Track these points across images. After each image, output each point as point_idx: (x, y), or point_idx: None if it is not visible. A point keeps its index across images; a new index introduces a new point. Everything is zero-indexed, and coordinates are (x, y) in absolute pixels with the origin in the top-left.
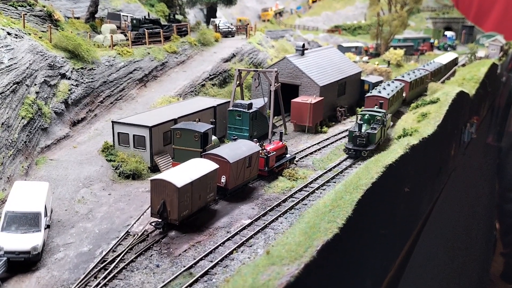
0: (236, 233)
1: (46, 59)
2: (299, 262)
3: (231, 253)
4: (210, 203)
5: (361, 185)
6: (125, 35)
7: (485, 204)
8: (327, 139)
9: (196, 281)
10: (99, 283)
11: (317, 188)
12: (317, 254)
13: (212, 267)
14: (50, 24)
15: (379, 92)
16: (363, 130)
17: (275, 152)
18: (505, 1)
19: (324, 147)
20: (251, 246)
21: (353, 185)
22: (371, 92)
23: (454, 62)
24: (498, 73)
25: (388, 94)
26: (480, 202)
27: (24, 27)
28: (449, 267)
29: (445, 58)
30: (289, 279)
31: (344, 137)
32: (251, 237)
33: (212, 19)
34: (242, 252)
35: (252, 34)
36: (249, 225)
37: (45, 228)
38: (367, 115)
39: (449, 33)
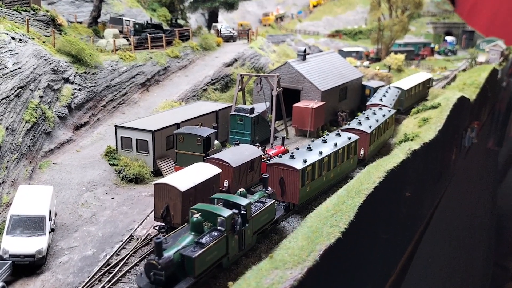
0: None
1: (50, 64)
2: (302, 267)
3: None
4: None
5: (363, 190)
6: (128, 40)
7: (485, 209)
8: None
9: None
10: (103, 287)
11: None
12: (320, 259)
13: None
14: (53, 29)
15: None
16: (169, 253)
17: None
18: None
19: None
20: (254, 250)
21: (355, 189)
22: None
23: (426, 85)
24: (498, 78)
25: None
26: (480, 206)
27: (28, 32)
28: (451, 271)
29: (411, 80)
30: (292, 283)
31: None
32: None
33: (213, 24)
34: (245, 256)
35: (254, 39)
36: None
37: (49, 232)
38: (200, 214)
39: (449, 38)
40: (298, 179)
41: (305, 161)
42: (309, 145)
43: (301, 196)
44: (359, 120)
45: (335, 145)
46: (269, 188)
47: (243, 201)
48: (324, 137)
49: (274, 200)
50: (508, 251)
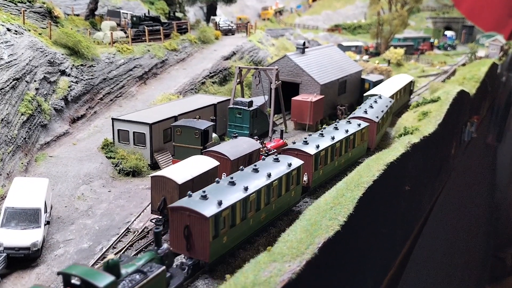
0: None
1: (46, 56)
2: (300, 259)
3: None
4: None
5: (363, 183)
6: (125, 32)
7: (484, 203)
8: None
9: (197, 277)
10: None
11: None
12: (319, 251)
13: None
14: (49, 21)
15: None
16: None
17: (275, 150)
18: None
19: None
20: (252, 243)
21: (354, 182)
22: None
23: (407, 91)
24: (498, 73)
25: None
26: (479, 201)
27: (24, 24)
28: (450, 266)
29: (389, 85)
30: (290, 276)
31: None
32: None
33: (212, 17)
34: (243, 249)
35: (253, 32)
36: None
37: (45, 224)
38: None
39: (449, 33)
40: (208, 229)
41: (220, 203)
42: (232, 178)
43: (214, 251)
44: (307, 139)
45: (269, 176)
46: (164, 246)
47: (103, 280)
48: (256, 165)
49: (163, 267)
50: (505, 243)
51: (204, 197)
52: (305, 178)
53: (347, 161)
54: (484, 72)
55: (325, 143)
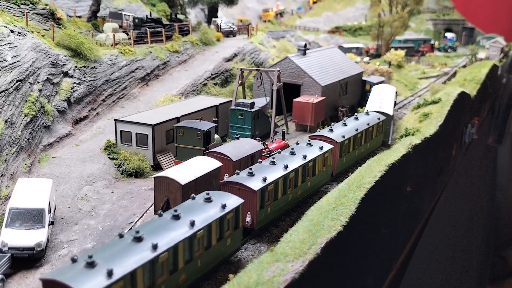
0: None
1: (49, 57)
2: (303, 259)
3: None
4: None
5: (364, 184)
6: (127, 34)
7: (485, 204)
8: None
9: (200, 277)
10: None
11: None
12: (321, 252)
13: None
14: (52, 23)
15: None
16: None
17: (277, 151)
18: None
19: None
20: (254, 243)
21: (356, 183)
22: None
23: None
24: (498, 75)
25: None
26: (480, 202)
27: (27, 25)
28: (450, 266)
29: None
30: (293, 276)
31: None
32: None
33: (213, 19)
34: (245, 249)
35: (254, 34)
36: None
37: (49, 225)
38: None
39: (449, 35)
40: None
41: (110, 273)
42: (138, 232)
43: None
44: (253, 169)
45: (192, 225)
46: None
47: None
48: (177, 210)
49: None
50: (506, 243)
51: (91, 264)
52: (248, 219)
53: (306, 192)
54: (484, 74)
55: (275, 174)
